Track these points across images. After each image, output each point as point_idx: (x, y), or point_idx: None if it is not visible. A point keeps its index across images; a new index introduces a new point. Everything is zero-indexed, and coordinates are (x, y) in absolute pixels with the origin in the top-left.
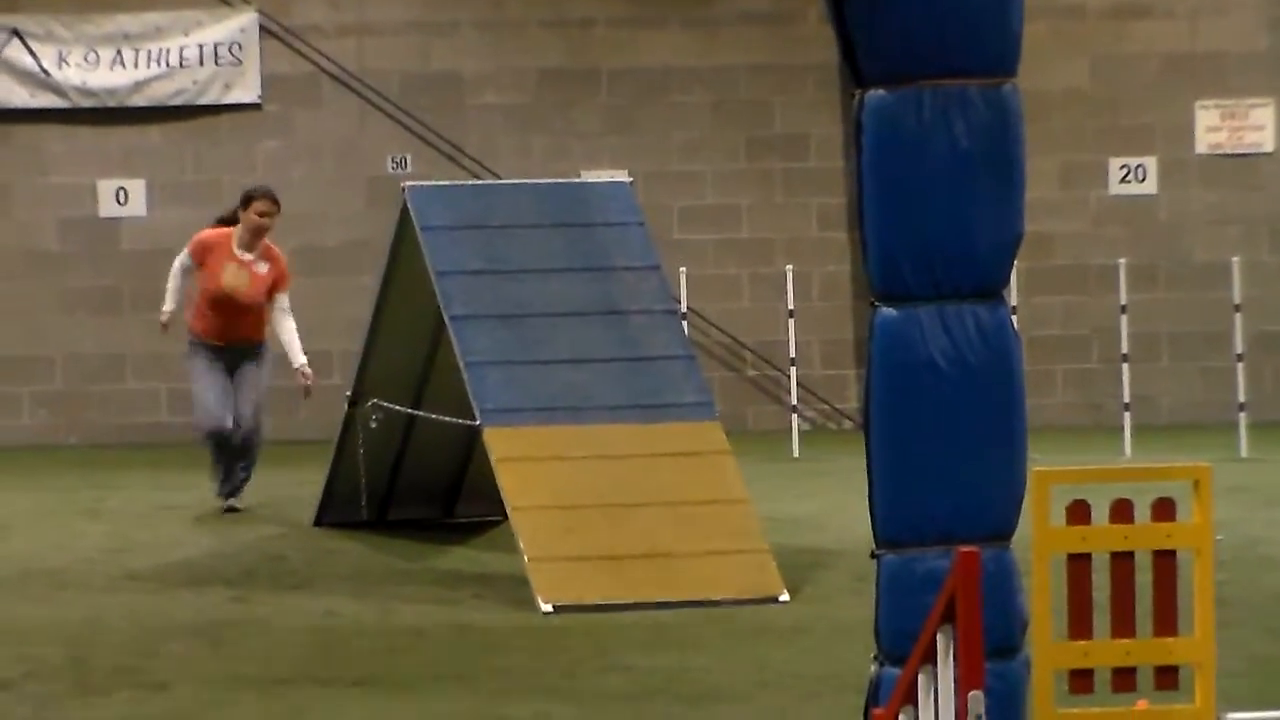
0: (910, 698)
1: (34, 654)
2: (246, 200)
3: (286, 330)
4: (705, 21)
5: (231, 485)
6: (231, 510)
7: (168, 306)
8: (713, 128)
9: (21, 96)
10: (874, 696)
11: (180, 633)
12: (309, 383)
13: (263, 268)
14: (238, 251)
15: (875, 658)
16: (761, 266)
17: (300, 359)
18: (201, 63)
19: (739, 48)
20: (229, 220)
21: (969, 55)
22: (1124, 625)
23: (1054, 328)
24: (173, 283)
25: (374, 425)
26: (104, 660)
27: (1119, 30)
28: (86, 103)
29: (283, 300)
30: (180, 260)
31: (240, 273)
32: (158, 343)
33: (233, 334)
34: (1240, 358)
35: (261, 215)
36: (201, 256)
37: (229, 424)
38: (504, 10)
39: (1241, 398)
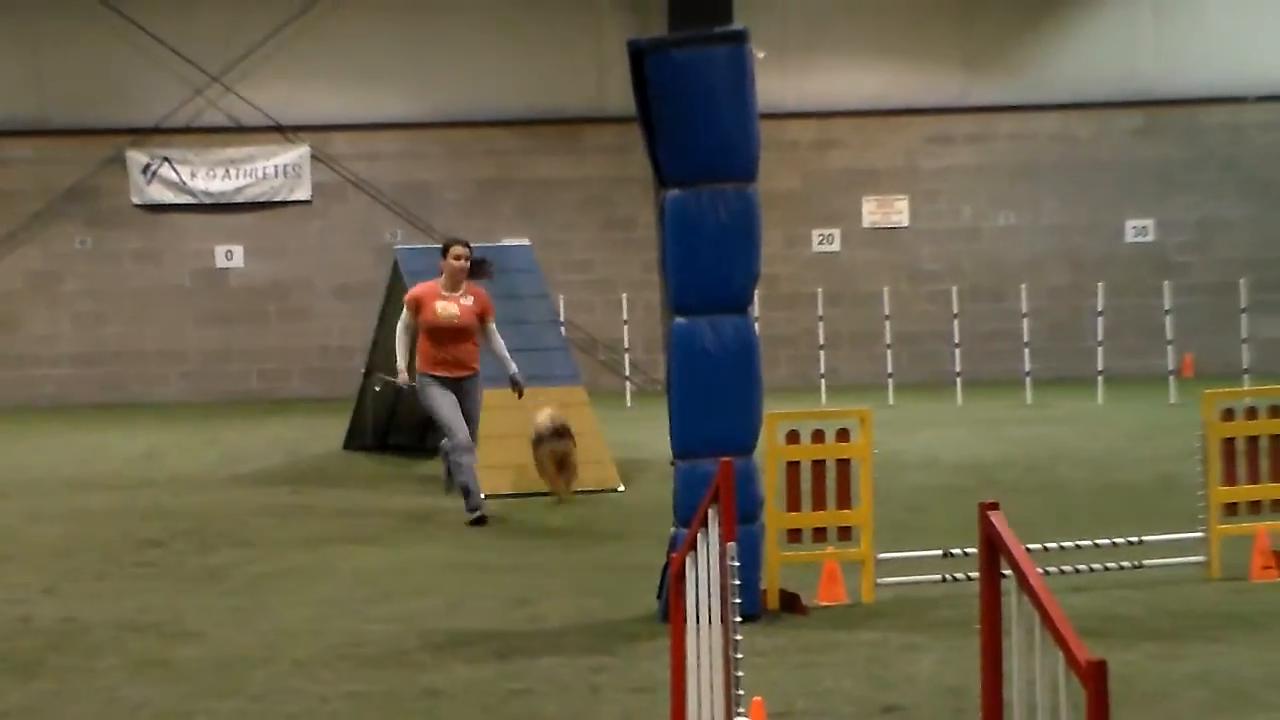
0: (693, 546)
1: (173, 525)
2: (446, 249)
3: (499, 345)
4: (575, 149)
5: (471, 500)
6: (482, 520)
7: (401, 364)
8: (579, 212)
9: (170, 197)
10: (672, 546)
11: (261, 513)
12: (521, 385)
13: (468, 300)
14: (444, 293)
15: (673, 523)
16: (609, 295)
17: (513, 368)
18: (276, 175)
19: (595, 165)
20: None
21: (727, 169)
22: (819, 502)
23: (779, 329)
24: (400, 345)
25: (378, 389)
26: (213, 528)
27: (819, 155)
28: (208, 200)
29: (491, 325)
30: (401, 322)
31: (449, 306)
32: (251, 341)
33: (453, 361)
34: (889, 346)
35: (458, 259)
36: (416, 305)
37: (465, 438)
38: (455, 143)
39: (890, 369)
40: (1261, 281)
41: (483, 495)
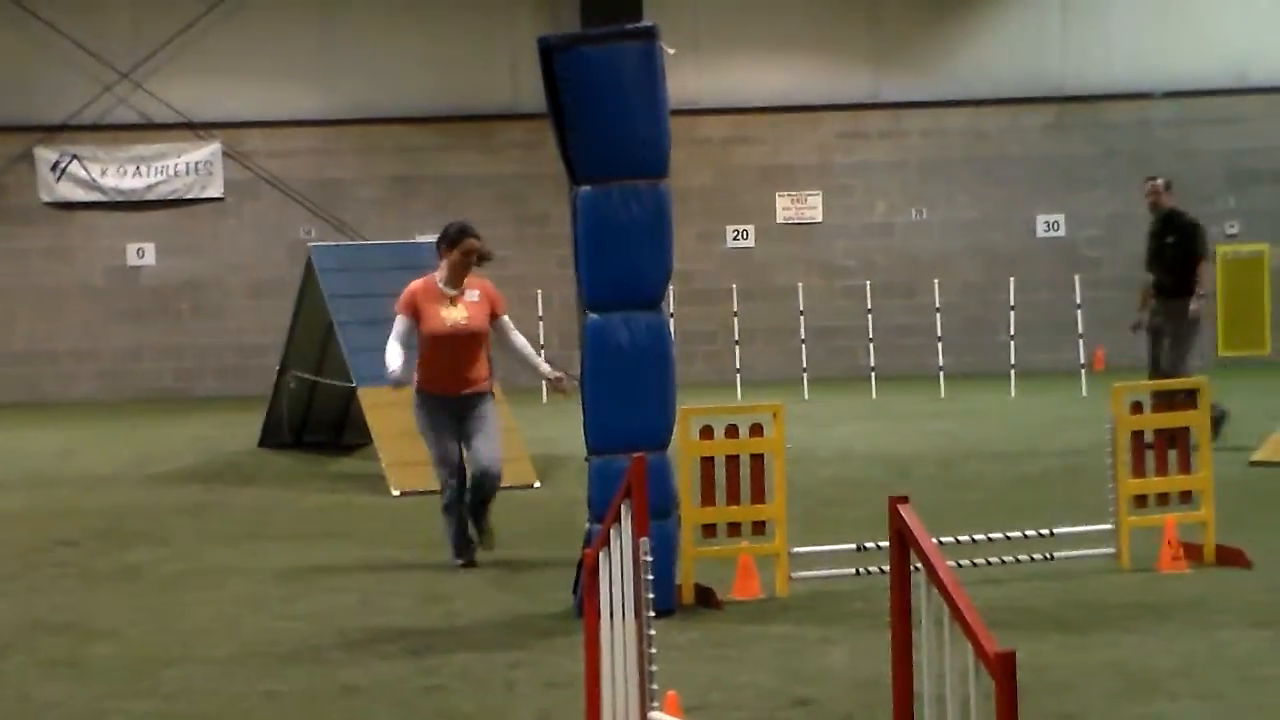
0: (607, 542)
1: (87, 524)
2: (452, 241)
3: (521, 345)
4: (489, 146)
5: (484, 528)
6: (488, 548)
7: (395, 369)
8: (493, 209)
9: (80, 195)
10: (587, 541)
11: (176, 511)
12: (564, 385)
13: (474, 295)
14: (445, 289)
15: (588, 519)
16: (524, 291)
17: (545, 367)
18: (187, 173)
19: (508, 161)
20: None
21: (638, 166)
22: (733, 497)
23: (694, 325)
24: (391, 349)
25: (292, 386)
26: (127, 527)
27: (731, 152)
28: (120, 198)
29: (504, 319)
30: (396, 326)
31: (455, 307)
32: (165, 339)
33: (458, 378)
34: (804, 342)
35: (469, 251)
36: (413, 307)
37: (456, 476)
38: (368, 139)
39: (804, 364)
40: None
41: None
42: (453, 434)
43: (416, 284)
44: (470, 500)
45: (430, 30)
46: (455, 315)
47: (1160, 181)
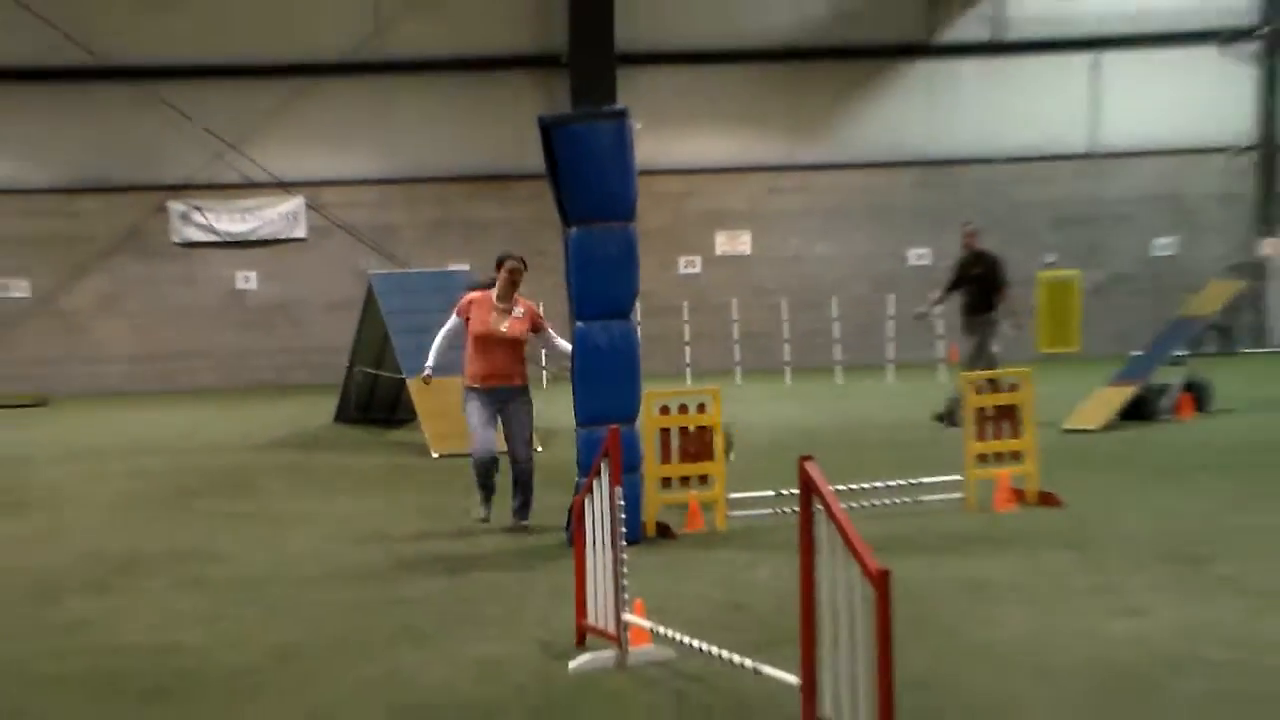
0: (590, 490)
1: (208, 480)
2: (500, 262)
3: (561, 346)
4: (503, 198)
5: (519, 504)
6: (523, 529)
7: (430, 362)
8: (506, 245)
9: (200, 236)
10: (576, 490)
11: (273, 470)
12: None
13: (518, 311)
14: (497, 303)
15: (576, 474)
16: (535, 302)
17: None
18: (279, 220)
19: (518, 209)
20: (486, 285)
21: (613, 212)
22: (685, 459)
23: (654, 331)
24: (436, 345)
25: (358, 377)
26: (239, 480)
27: (682, 201)
28: (229, 239)
29: (548, 331)
30: (448, 324)
31: (501, 317)
32: (263, 343)
33: (494, 373)
34: (736, 343)
35: (512, 271)
36: (467, 310)
37: (491, 453)
38: (413, 193)
39: (737, 360)
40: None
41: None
42: (489, 420)
43: (476, 294)
44: (512, 482)
45: (459, 111)
46: (498, 323)
47: (972, 227)
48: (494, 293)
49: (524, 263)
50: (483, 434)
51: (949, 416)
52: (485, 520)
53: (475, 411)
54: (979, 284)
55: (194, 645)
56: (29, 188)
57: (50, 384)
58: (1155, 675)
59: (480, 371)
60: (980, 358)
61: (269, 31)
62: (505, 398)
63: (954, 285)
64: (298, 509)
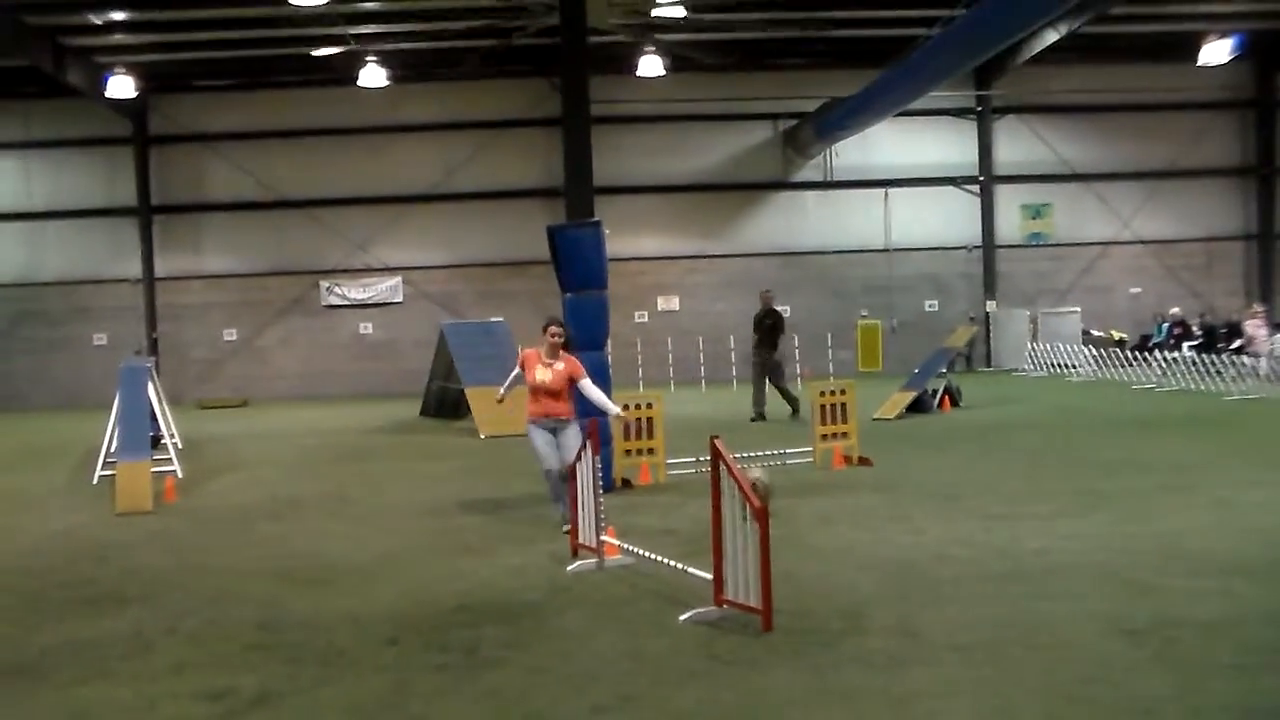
0: (579, 459)
1: (343, 450)
2: (545, 327)
3: (592, 396)
4: (525, 276)
5: (561, 512)
6: (567, 532)
7: (500, 391)
8: (526, 307)
9: (337, 302)
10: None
11: (382, 445)
12: (624, 418)
13: (560, 366)
14: (545, 358)
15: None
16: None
17: (613, 409)
18: (386, 291)
19: (535, 284)
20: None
21: (592, 284)
22: (639, 437)
23: (620, 358)
24: (508, 381)
25: (434, 388)
26: (359, 450)
27: (635, 276)
28: (355, 303)
29: (584, 382)
30: (514, 372)
31: (545, 370)
32: (375, 367)
33: (547, 412)
34: (670, 366)
35: (553, 336)
36: (523, 364)
37: (556, 466)
38: (469, 274)
39: (671, 374)
40: (836, 335)
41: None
42: (550, 444)
43: (529, 351)
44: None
45: (497, 222)
46: (543, 375)
47: (768, 292)
48: (541, 351)
49: (562, 326)
50: (546, 453)
51: (795, 410)
52: (567, 526)
53: (538, 438)
54: (769, 331)
55: (334, 551)
56: (237, 273)
57: (248, 393)
58: (927, 566)
59: (536, 411)
60: (779, 379)
61: (380, 176)
62: (554, 427)
63: (756, 329)
64: (396, 468)
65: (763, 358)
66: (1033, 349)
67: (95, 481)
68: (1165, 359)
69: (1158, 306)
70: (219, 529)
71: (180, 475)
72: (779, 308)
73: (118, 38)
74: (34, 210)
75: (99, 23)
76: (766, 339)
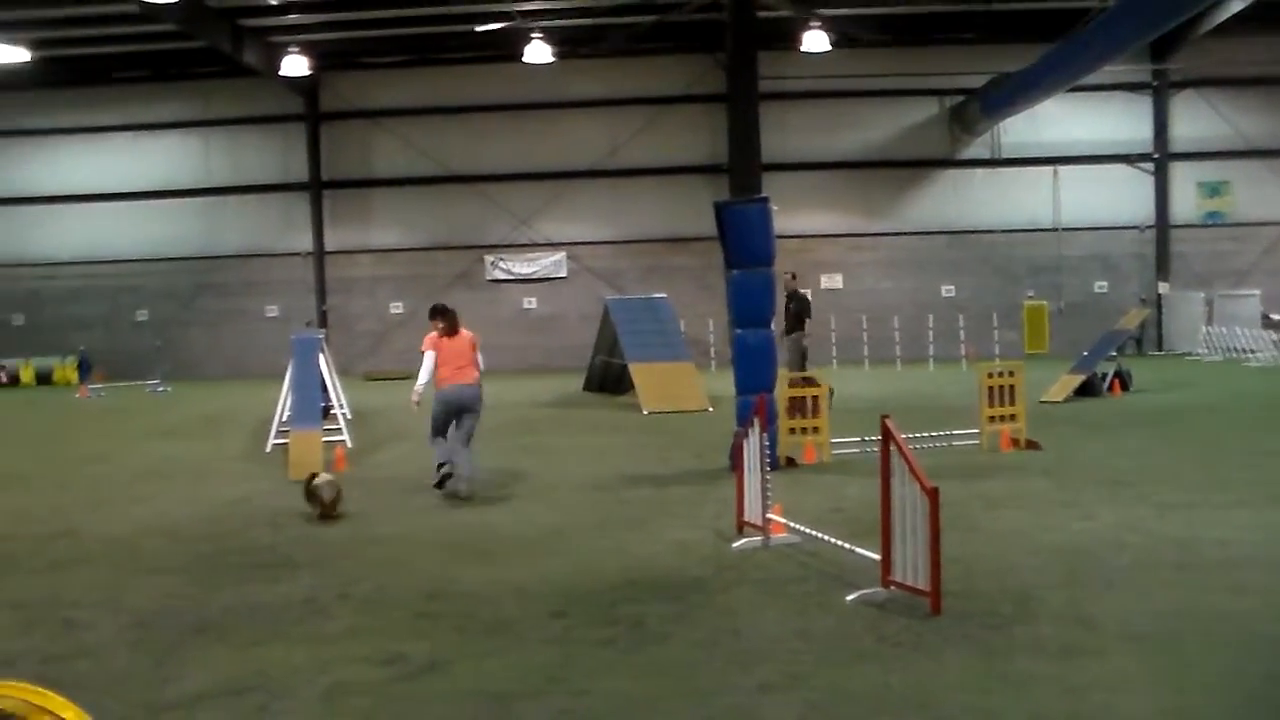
0: (746, 434)
1: (507, 423)
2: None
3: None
4: (689, 252)
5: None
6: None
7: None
8: (690, 283)
9: (502, 276)
10: (738, 423)
11: (546, 419)
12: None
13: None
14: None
15: (736, 424)
16: (704, 317)
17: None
18: (551, 266)
19: (699, 259)
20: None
21: (758, 260)
22: (805, 417)
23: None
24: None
25: (598, 363)
26: (525, 423)
27: (801, 255)
28: (520, 278)
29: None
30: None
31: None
32: (540, 341)
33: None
34: (833, 344)
35: (433, 320)
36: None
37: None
38: (633, 250)
39: (834, 354)
40: (1002, 316)
41: None
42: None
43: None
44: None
45: (661, 198)
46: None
47: (789, 275)
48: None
49: (442, 314)
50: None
51: None
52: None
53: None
54: (794, 315)
55: (503, 524)
56: (405, 247)
57: (414, 365)
58: (1098, 551)
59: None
60: (799, 363)
61: (545, 152)
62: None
63: (784, 314)
64: (561, 443)
65: (794, 341)
66: (1207, 332)
67: (269, 450)
68: None
69: None
70: (387, 498)
71: (350, 445)
72: (803, 290)
73: (292, 18)
74: (213, 185)
75: (275, 3)
76: (793, 322)
